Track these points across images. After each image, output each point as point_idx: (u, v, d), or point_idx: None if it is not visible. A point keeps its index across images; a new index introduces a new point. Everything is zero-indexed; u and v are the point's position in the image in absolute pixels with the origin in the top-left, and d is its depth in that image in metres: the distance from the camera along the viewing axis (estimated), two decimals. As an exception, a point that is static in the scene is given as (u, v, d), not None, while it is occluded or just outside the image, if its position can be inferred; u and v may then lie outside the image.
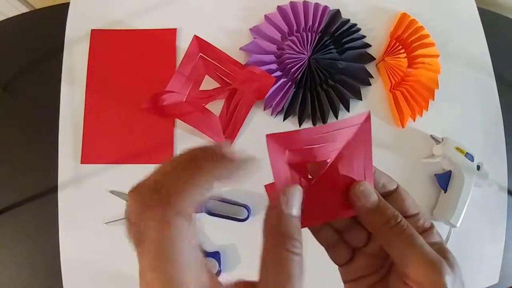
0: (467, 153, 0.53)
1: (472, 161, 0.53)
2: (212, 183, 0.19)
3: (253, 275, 0.20)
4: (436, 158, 0.54)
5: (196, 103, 0.51)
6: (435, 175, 0.54)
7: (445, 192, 0.53)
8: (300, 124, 0.54)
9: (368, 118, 0.24)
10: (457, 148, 0.53)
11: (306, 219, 0.24)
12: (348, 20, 0.58)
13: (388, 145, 0.55)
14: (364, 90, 0.57)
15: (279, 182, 0.24)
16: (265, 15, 0.57)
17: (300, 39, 0.56)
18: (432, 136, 0.55)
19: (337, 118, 0.54)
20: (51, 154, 0.52)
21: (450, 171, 0.53)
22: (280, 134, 0.24)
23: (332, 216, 0.26)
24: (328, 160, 0.25)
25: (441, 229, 0.53)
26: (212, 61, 0.52)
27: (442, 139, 0.54)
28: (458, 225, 0.51)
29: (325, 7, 0.58)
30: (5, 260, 0.50)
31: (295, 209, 0.22)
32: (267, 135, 0.23)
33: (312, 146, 0.24)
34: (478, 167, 0.53)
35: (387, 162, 0.55)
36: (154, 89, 0.49)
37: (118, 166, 0.52)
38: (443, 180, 0.53)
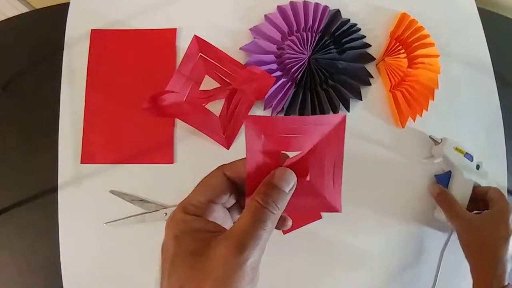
0: (466, 153, 0.53)
1: (471, 160, 0.53)
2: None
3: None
4: (436, 159, 0.54)
5: (196, 103, 0.51)
6: (435, 176, 0.54)
7: None
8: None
9: (342, 121, 0.25)
10: (456, 148, 0.53)
11: None
12: (348, 20, 0.59)
13: (388, 145, 0.55)
14: (364, 90, 0.57)
15: (251, 165, 0.25)
16: (265, 15, 0.57)
17: (300, 39, 0.56)
18: (431, 137, 0.55)
19: (337, 118, 0.54)
20: (51, 154, 0.52)
21: (449, 172, 0.53)
22: (259, 117, 0.25)
23: (295, 209, 0.27)
24: (300, 153, 0.26)
25: (443, 230, 0.53)
26: (212, 61, 0.52)
27: (441, 139, 0.54)
28: None
29: (325, 7, 0.58)
30: (5, 260, 0.50)
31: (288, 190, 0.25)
32: (246, 117, 0.24)
33: (288, 135, 0.25)
34: (478, 167, 0.53)
35: (387, 162, 0.55)
36: (154, 89, 0.49)
37: (118, 166, 0.52)
38: (443, 180, 0.53)
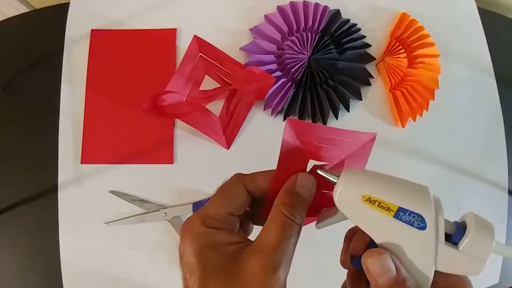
0: (399, 208, 0.22)
1: (423, 227, 0.22)
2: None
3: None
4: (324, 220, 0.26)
5: (196, 103, 0.51)
6: (354, 259, 0.26)
7: None
8: (300, 124, 0.54)
9: (372, 140, 0.25)
10: (369, 200, 0.22)
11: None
12: (348, 20, 0.59)
13: (388, 145, 0.55)
14: (364, 90, 0.57)
15: (281, 168, 0.24)
16: (265, 15, 0.57)
17: (300, 39, 0.56)
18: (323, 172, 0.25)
19: (337, 118, 0.54)
20: (51, 154, 0.52)
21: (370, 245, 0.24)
22: (300, 121, 0.25)
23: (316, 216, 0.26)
24: (327, 164, 0.26)
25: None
26: (212, 61, 0.52)
27: (337, 177, 0.24)
28: None
29: (325, 7, 0.58)
30: (5, 260, 0.50)
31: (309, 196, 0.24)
32: (288, 119, 0.23)
33: (321, 145, 0.25)
34: (452, 236, 0.22)
35: (387, 162, 0.55)
36: (154, 89, 0.49)
37: (118, 166, 0.52)
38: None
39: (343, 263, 0.27)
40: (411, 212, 0.21)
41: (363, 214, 0.22)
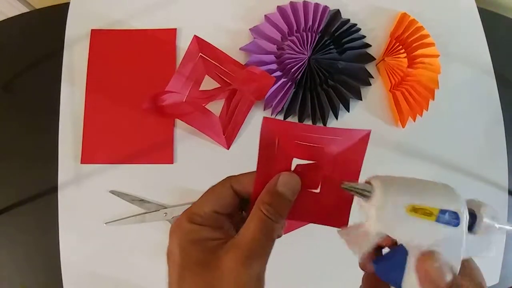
0: (441, 211, 0.21)
1: (458, 221, 0.22)
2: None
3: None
4: (358, 230, 0.24)
5: (196, 103, 0.51)
6: (377, 264, 0.24)
7: None
8: (300, 124, 0.54)
9: (365, 137, 0.23)
10: (414, 209, 0.21)
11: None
12: (348, 20, 0.59)
13: (388, 145, 0.55)
14: (364, 90, 0.57)
15: (261, 168, 0.24)
16: (265, 15, 0.57)
17: (300, 39, 0.56)
18: (348, 187, 0.23)
19: (337, 118, 0.54)
20: (51, 154, 0.52)
21: (401, 249, 0.22)
22: (277, 120, 0.24)
23: (308, 218, 0.26)
24: (313, 163, 0.25)
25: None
26: (212, 61, 0.52)
27: (372, 185, 0.22)
28: None
29: (325, 7, 0.58)
30: (5, 260, 0.50)
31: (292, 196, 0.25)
32: (265, 118, 0.23)
33: (303, 143, 0.24)
34: (471, 225, 0.23)
35: (387, 162, 0.55)
36: (154, 89, 0.49)
37: (118, 166, 0.52)
38: (394, 269, 0.23)
39: (363, 267, 0.26)
40: (450, 212, 0.21)
41: (405, 225, 0.20)
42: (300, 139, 0.24)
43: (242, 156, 0.52)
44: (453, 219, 0.21)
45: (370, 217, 0.21)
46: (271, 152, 0.24)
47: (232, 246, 0.23)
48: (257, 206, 0.24)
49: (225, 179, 0.27)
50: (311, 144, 0.24)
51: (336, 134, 0.24)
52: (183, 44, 0.56)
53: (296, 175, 0.25)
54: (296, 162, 0.26)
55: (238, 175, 0.27)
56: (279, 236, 0.26)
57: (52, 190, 0.51)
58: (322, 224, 0.26)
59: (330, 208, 0.25)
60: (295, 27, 0.57)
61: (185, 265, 0.24)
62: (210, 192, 0.27)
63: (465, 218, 0.21)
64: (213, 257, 0.23)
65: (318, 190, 0.25)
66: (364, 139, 0.23)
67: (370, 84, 0.57)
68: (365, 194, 0.21)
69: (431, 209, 0.21)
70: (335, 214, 0.25)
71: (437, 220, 0.21)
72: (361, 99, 0.56)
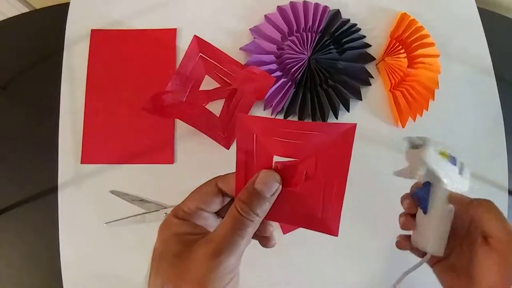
0: (450, 156, 0.34)
1: (455, 164, 0.34)
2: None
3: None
4: (413, 170, 0.34)
5: (196, 103, 0.51)
6: (415, 191, 0.35)
7: (425, 213, 0.34)
8: (300, 124, 0.54)
9: (350, 131, 0.22)
10: (442, 153, 0.34)
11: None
12: (348, 20, 0.59)
13: (388, 145, 0.55)
14: (364, 90, 0.57)
15: (240, 165, 0.24)
16: (265, 15, 0.57)
17: (300, 39, 0.56)
18: (408, 138, 0.35)
19: (337, 118, 0.54)
20: (51, 154, 0.52)
21: (428, 184, 0.34)
22: (253, 116, 0.24)
23: (293, 221, 0.26)
24: (294, 160, 0.24)
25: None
26: (212, 61, 0.52)
27: (422, 140, 0.35)
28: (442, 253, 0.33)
29: (325, 7, 0.58)
30: (5, 260, 0.50)
31: (270, 196, 0.25)
32: (238, 114, 0.23)
33: (283, 139, 0.23)
34: (460, 170, 0.35)
35: (387, 162, 0.55)
36: (154, 89, 0.49)
37: (118, 166, 0.52)
38: (423, 197, 0.34)
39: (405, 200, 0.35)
40: (452, 157, 0.33)
41: (436, 161, 0.32)
42: (279, 135, 0.23)
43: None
44: (453, 161, 0.33)
45: (417, 159, 0.32)
46: (250, 150, 0.24)
47: (205, 240, 0.24)
48: (234, 203, 0.25)
49: (212, 178, 0.28)
50: (291, 140, 0.23)
51: (317, 129, 0.23)
52: (183, 44, 0.56)
53: (275, 172, 0.24)
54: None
55: (225, 174, 0.28)
56: (264, 247, 0.27)
57: (52, 190, 0.51)
58: (312, 229, 0.25)
59: (317, 211, 0.24)
60: (295, 27, 0.57)
61: (163, 256, 0.25)
62: (196, 190, 0.28)
63: (458, 162, 0.33)
64: (187, 250, 0.24)
65: (299, 189, 0.24)
66: (348, 133, 0.22)
67: (370, 84, 0.57)
68: (418, 143, 0.33)
69: (446, 153, 0.33)
70: (324, 219, 0.24)
71: (449, 161, 0.32)
72: (361, 99, 0.56)
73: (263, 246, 0.28)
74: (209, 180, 0.28)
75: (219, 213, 0.29)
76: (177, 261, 0.24)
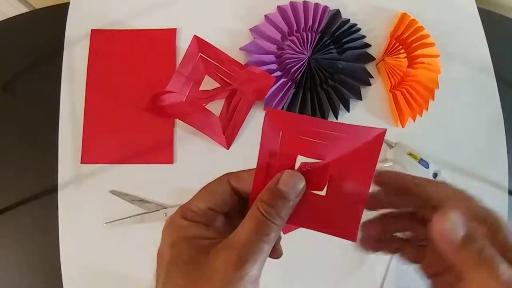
0: (420, 159, 0.48)
1: (427, 167, 0.48)
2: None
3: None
4: (387, 162, 0.50)
5: (196, 103, 0.51)
6: None
7: None
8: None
9: (380, 135, 0.21)
10: (410, 154, 0.49)
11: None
12: (348, 20, 0.59)
13: (388, 145, 0.55)
14: (364, 90, 0.57)
15: (261, 163, 0.23)
16: (265, 15, 0.57)
17: (300, 39, 0.56)
18: (385, 141, 0.49)
19: (337, 118, 0.54)
20: (51, 154, 0.52)
21: None
22: (282, 111, 0.23)
23: (312, 225, 0.24)
24: (319, 162, 0.23)
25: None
26: (212, 61, 0.52)
27: (395, 143, 0.50)
28: None
29: (325, 7, 0.58)
30: (5, 260, 0.50)
31: (294, 198, 0.23)
32: (267, 109, 0.22)
33: (309, 139, 0.22)
34: (435, 175, 0.48)
35: (387, 162, 0.55)
36: (154, 89, 0.49)
37: (118, 166, 0.52)
38: None
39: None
40: (424, 161, 0.48)
41: (405, 161, 0.47)
42: (307, 134, 0.22)
43: (242, 156, 0.52)
44: (425, 164, 0.47)
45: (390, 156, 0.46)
46: (273, 147, 0.23)
47: (225, 246, 0.22)
48: (255, 204, 0.22)
49: (223, 175, 0.25)
50: (318, 141, 0.22)
51: (347, 131, 0.22)
52: (183, 44, 0.56)
53: (300, 174, 0.23)
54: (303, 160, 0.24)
55: (238, 171, 0.25)
56: (277, 238, 0.24)
57: (52, 190, 0.51)
58: (328, 234, 0.23)
59: (336, 215, 0.23)
60: (295, 27, 0.57)
61: (173, 262, 0.22)
62: (205, 188, 0.25)
63: (431, 168, 0.45)
64: (203, 256, 0.22)
65: (323, 193, 0.23)
66: (378, 138, 0.21)
67: (370, 84, 0.57)
68: (390, 145, 0.48)
69: (417, 156, 0.48)
70: (342, 223, 0.23)
71: (419, 162, 0.48)
72: (361, 99, 0.56)
73: (270, 257, 0.24)
74: (219, 178, 0.25)
75: (227, 215, 0.26)
76: (190, 270, 0.21)
